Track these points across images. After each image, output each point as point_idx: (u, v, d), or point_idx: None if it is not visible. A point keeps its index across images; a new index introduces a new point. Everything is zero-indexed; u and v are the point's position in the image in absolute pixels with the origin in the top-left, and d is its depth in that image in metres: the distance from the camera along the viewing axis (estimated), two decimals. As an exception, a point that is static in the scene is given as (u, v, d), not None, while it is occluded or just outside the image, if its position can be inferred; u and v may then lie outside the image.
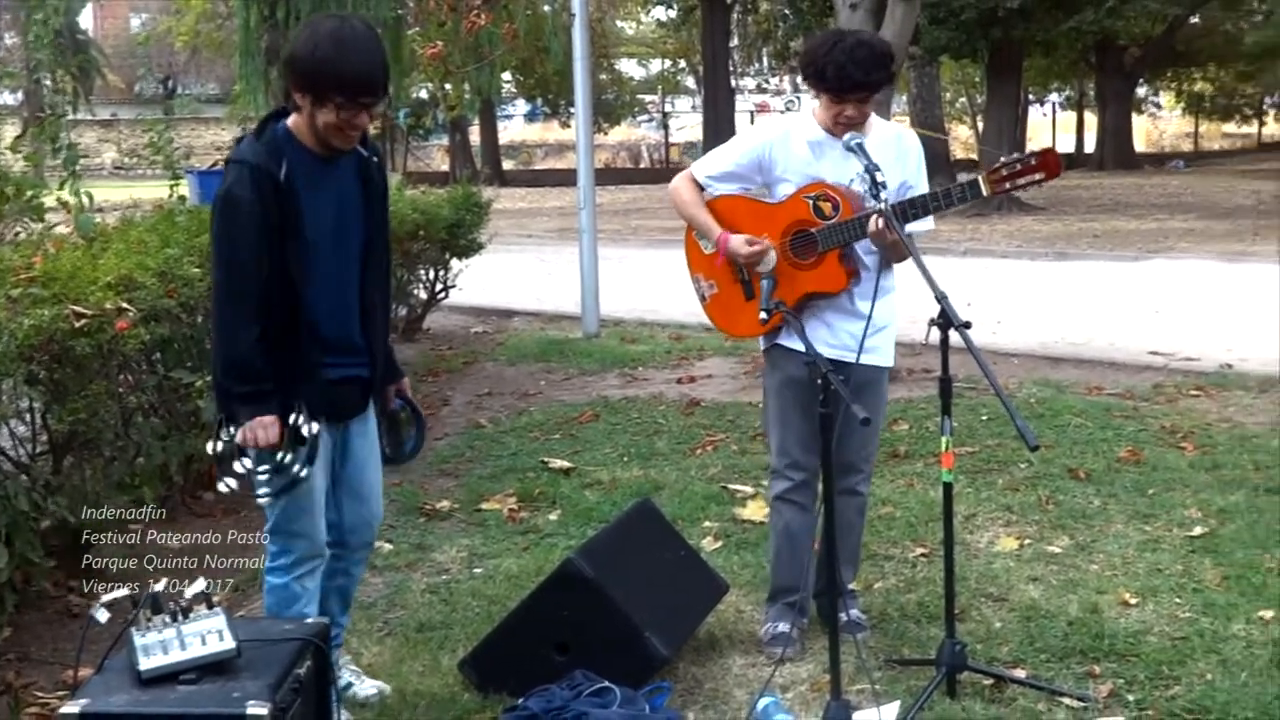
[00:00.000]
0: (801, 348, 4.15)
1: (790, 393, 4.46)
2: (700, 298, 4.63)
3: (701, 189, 4.52)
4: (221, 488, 3.62)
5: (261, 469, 3.57)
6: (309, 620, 3.15)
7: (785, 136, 4.43)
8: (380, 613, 4.93)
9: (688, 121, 48.86)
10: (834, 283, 4.34)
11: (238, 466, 3.57)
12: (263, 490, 3.61)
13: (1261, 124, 47.94)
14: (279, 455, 3.58)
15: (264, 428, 3.54)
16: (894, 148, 4.37)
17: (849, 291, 4.36)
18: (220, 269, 3.64)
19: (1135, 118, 41.86)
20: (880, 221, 4.06)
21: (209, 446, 3.58)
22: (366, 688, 4.18)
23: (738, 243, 4.35)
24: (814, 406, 4.03)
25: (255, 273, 3.57)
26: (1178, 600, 4.84)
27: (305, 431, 3.60)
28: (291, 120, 3.68)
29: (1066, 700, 4.03)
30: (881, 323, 4.37)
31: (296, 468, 3.62)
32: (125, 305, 5.15)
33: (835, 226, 4.26)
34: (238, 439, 3.54)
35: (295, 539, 3.82)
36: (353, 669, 4.26)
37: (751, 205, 4.47)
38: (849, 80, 4.18)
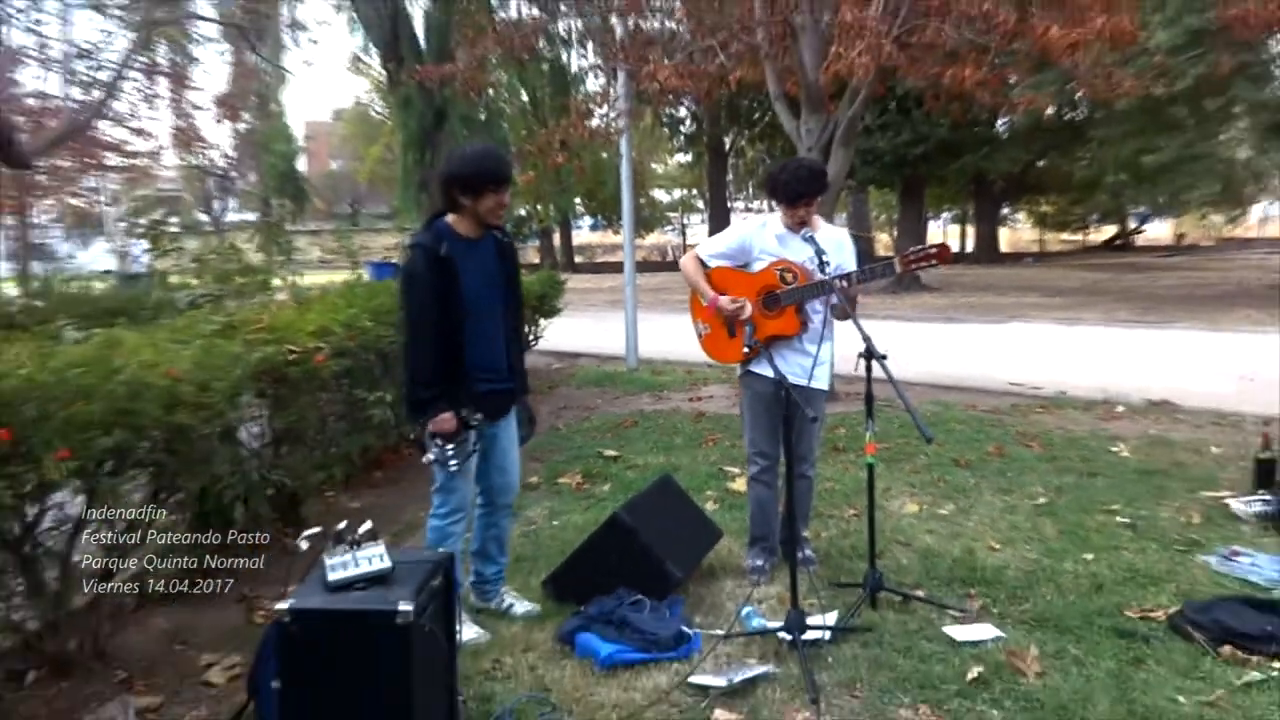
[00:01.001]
0: (767, 373, 4.19)
1: (759, 405, 4.43)
2: (698, 335, 4.61)
3: (703, 263, 4.53)
4: (424, 460, 3.73)
5: (449, 448, 3.69)
6: (442, 551, 3.16)
7: (761, 229, 4.44)
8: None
9: (699, 231, 48.89)
10: (790, 328, 4.33)
11: (432, 448, 3.68)
12: (451, 462, 3.71)
13: (1086, 233, 47.56)
14: (457, 439, 3.70)
15: (446, 421, 3.66)
16: (835, 243, 4.35)
17: (800, 336, 4.34)
18: (407, 320, 3.72)
19: (1001, 229, 41.54)
20: (845, 282, 4.12)
21: (412, 434, 3.67)
22: (523, 606, 4.16)
23: (724, 302, 4.38)
24: (775, 414, 4.13)
25: (430, 321, 3.65)
26: (1027, 546, 4.80)
27: (472, 422, 3.75)
28: (450, 218, 3.78)
29: (951, 611, 4.01)
30: (823, 359, 4.35)
31: (469, 445, 3.78)
32: (322, 345, 5.22)
33: (794, 289, 4.28)
34: (429, 429, 3.65)
35: (452, 494, 3.85)
36: (514, 594, 4.24)
37: (736, 274, 4.45)
38: (794, 192, 4.23)
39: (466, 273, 3.70)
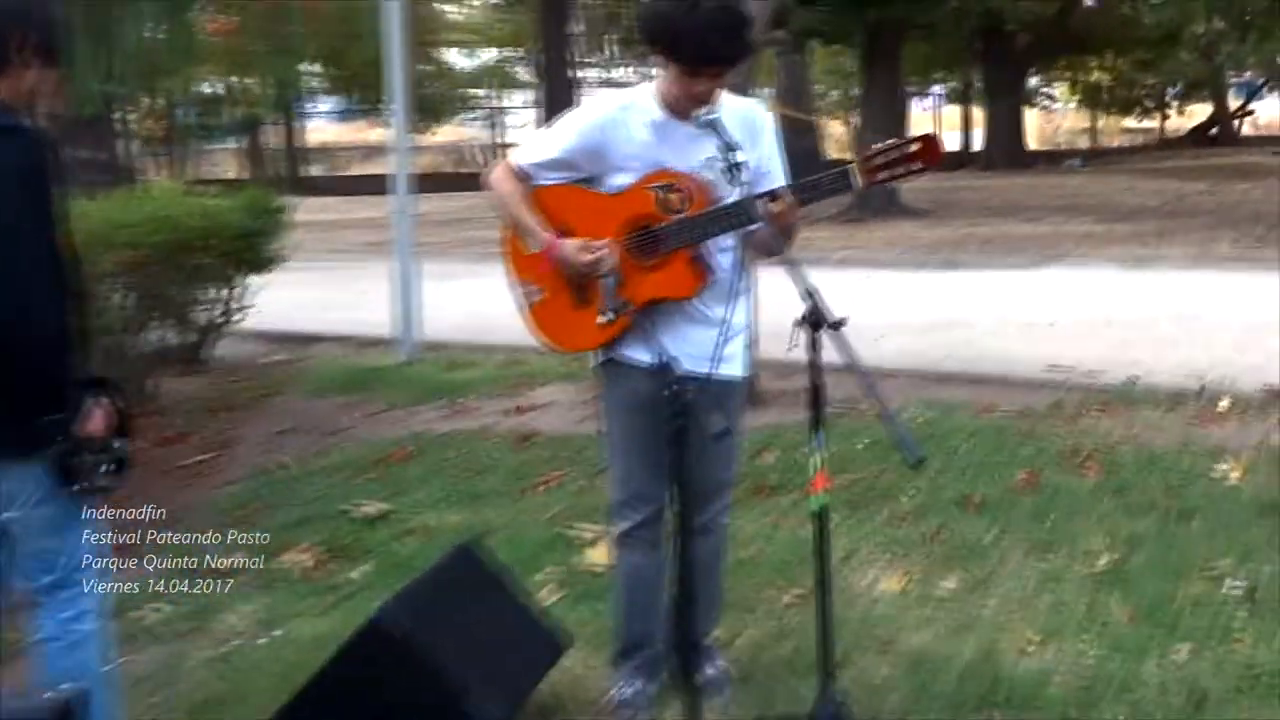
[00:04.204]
0: (644, 359, 4.10)
1: (632, 414, 4.34)
2: (521, 306, 4.46)
3: (527, 178, 4.35)
4: None
5: None
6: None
7: (622, 116, 4.27)
8: (149, 691, 4.72)
9: (524, 121, 48.63)
10: (683, 287, 4.22)
11: None
12: None
13: (1164, 118, 48.54)
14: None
15: None
16: (745, 126, 4.25)
17: (698, 296, 4.25)
18: None
19: (1027, 112, 42.49)
20: (774, 204, 3.98)
21: None
22: None
23: (571, 250, 4.17)
24: (659, 426, 3.94)
25: None
26: (1083, 640, 4.88)
27: None
28: None
29: (964, 759, 4.04)
30: (736, 328, 4.30)
31: None
32: None
33: (684, 222, 4.15)
34: None
35: None
36: None
37: (585, 197, 4.30)
38: (709, 51, 4.02)
39: None
